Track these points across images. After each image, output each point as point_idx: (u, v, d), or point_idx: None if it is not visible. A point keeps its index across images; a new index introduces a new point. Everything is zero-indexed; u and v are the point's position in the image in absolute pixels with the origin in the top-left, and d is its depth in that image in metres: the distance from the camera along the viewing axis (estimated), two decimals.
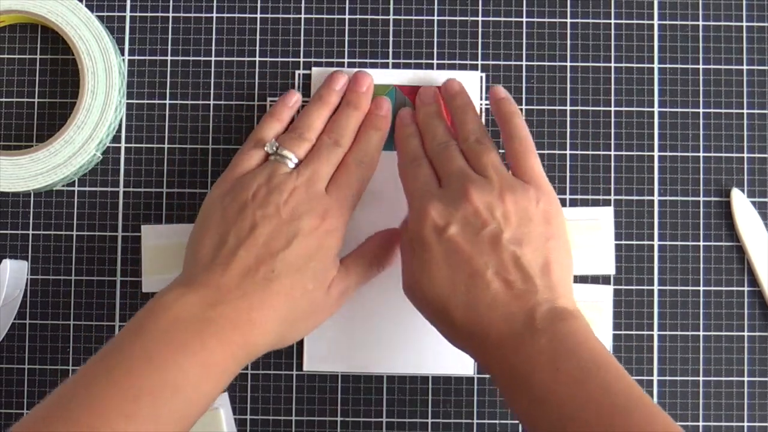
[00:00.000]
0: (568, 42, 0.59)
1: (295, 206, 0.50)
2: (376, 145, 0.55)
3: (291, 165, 0.52)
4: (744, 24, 0.59)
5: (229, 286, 0.47)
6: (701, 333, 0.57)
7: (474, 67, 0.59)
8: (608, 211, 0.58)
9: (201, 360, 0.44)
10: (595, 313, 0.57)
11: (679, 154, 0.58)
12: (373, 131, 0.55)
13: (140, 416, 0.42)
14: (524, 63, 0.59)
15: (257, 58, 0.59)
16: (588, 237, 0.57)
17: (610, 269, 0.57)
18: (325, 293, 0.51)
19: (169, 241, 0.57)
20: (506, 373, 0.46)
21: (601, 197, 0.58)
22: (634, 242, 0.58)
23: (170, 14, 0.59)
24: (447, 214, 0.49)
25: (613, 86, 0.59)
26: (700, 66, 0.59)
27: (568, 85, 0.59)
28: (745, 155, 0.58)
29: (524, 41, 0.59)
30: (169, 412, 0.43)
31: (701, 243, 0.58)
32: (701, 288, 0.58)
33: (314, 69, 0.58)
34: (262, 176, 0.51)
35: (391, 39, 0.59)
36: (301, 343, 0.57)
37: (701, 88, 0.59)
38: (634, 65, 0.59)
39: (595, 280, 0.57)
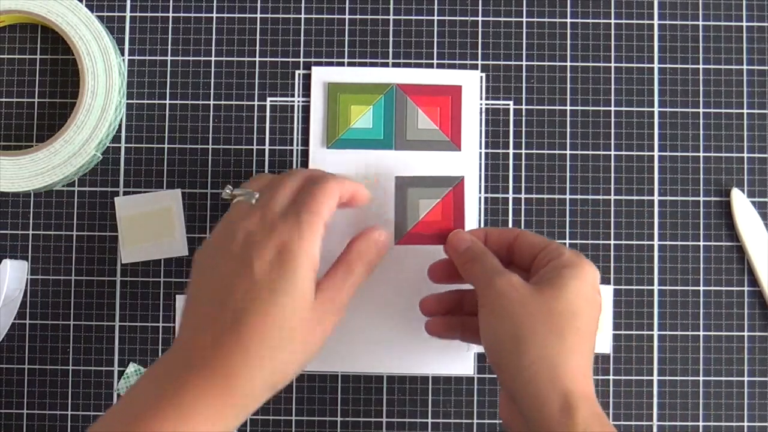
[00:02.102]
0: (568, 42, 0.59)
1: (248, 238, 0.45)
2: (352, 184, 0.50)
3: (254, 201, 0.48)
4: (744, 24, 0.59)
5: (204, 348, 0.43)
6: (701, 333, 0.57)
7: (474, 67, 0.59)
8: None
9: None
10: None
11: (679, 154, 0.58)
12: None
13: None
14: (524, 63, 0.59)
15: (257, 58, 0.59)
16: None
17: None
18: (311, 319, 0.45)
19: (143, 209, 0.57)
20: None
21: (601, 197, 0.58)
22: (634, 242, 0.58)
23: (170, 14, 0.59)
24: None
25: (613, 86, 0.59)
26: (700, 66, 0.59)
27: (568, 85, 0.59)
28: (745, 155, 0.58)
29: (524, 41, 0.59)
30: None
31: (701, 243, 0.58)
32: (701, 288, 0.58)
33: (314, 69, 0.58)
34: (222, 222, 0.48)
35: (391, 39, 0.59)
36: None
37: (701, 88, 0.59)
38: (634, 65, 0.59)
39: None
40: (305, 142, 0.58)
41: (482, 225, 0.58)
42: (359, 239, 0.49)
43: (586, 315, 0.46)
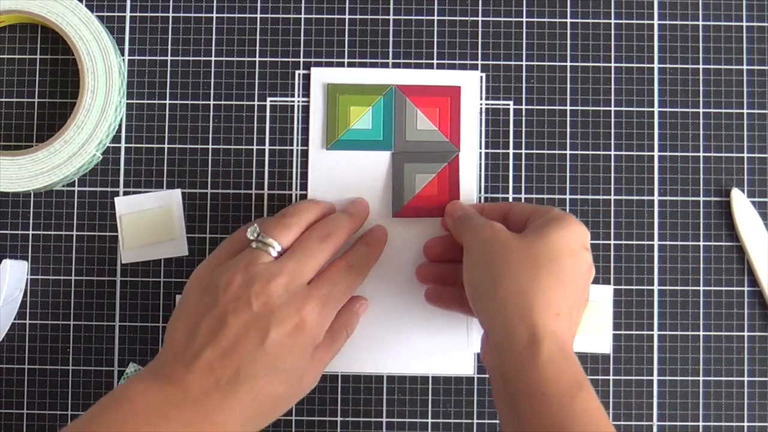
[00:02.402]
0: (568, 42, 0.59)
1: (270, 300, 0.46)
2: (368, 259, 0.54)
3: (273, 253, 0.49)
4: (744, 24, 0.59)
5: (191, 386, 0.45)
6: (701, 333, 0.57)
7: (474, 67, 0.59)
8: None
9: None
10: (595, 313, 0.57)
11: (679, 154, 0.58)
12: (367, 247, 0.54)
13: None
14: (524, 63, 0.59)
15: (257, 58, 0.59)
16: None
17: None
18: (298, 387, 0.49)
19: (143, 209, 0.57)
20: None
21: (601, 197, 0.58)
22: (634, 242, 0.58)
23: (170, 14, 0.59)
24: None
25: (613, 86, 0.59)
26: (700, 66, 0.59)
27: (568, 85, 0.59)
28: (745, 155, 0.58)
29: (524, 41, 0.59)
30: None
31: (701, 243, 0.58)
32: (701, 288, 0.58)
33: (314, 69, 0.58)
34: (239, 264, 0.48)
35: (391, 39, 0.59)
36: None
37: (701, 88, 0.59)
38: (634, 65, 0.59)
39: (595, 280, 0.57)
40: (305, 142, 0.58)
41: None
42: (344, 311, 0.53)
43: (567, 263, 0.47)
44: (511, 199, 0.58)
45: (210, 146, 0.58)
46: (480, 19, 0.59)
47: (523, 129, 0.58)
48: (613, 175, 0.58)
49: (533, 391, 0.44)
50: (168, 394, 0.44)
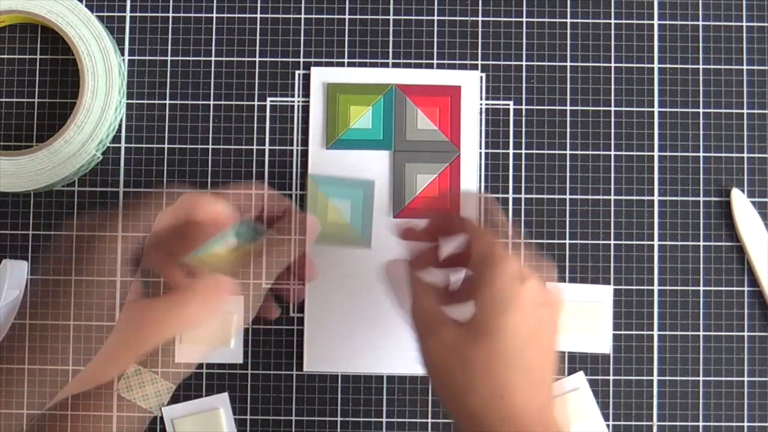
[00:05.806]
0: (568, 42, 0.59)
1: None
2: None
3: None
4: (744, 24, 0.59)
5: None
6: (701, 333, 0.57)
7: (474, 67, 0.59)
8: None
9: None
10: (595, 313, 0.57)
11: (679, 154, 0.58)
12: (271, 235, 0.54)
13: None
14: (524, 63, 0.59)
15: (257, 58, 0.59)
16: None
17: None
18: None
19: None
20: None
21: (601, 197, 0.58)
22: (634, 242, 0.58)
23: (170, 14, 0.59)
24: None
25: (613, 86, 0.59)
26: (700, 66, 0.59)
27: (568, 85, 0.59)
28: (745, 155, 0.58)
29: (524, 41, 0.59)
30: None
31: (701, 243, 0.58)
32: (701, 288, 0.58)
33: (314, 69, 0.58)
34: None
35: (391, 39, 0.59)
36: (301, 343, 0.57)
37: (701, 88, 0.59)
38: (634, 65, 0.59)
39: (595, 280, 0.57)
40: (305, 142, 0.58)
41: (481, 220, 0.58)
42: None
43: (530, 348, 0.44)
44: (511, 200, 0.58)
45: (210, 146, 0.58)
46: (480, 19, 0.59)
47: (523, 129, 0.58)
48: (613, 175, 0.58)
49: None
50: None
